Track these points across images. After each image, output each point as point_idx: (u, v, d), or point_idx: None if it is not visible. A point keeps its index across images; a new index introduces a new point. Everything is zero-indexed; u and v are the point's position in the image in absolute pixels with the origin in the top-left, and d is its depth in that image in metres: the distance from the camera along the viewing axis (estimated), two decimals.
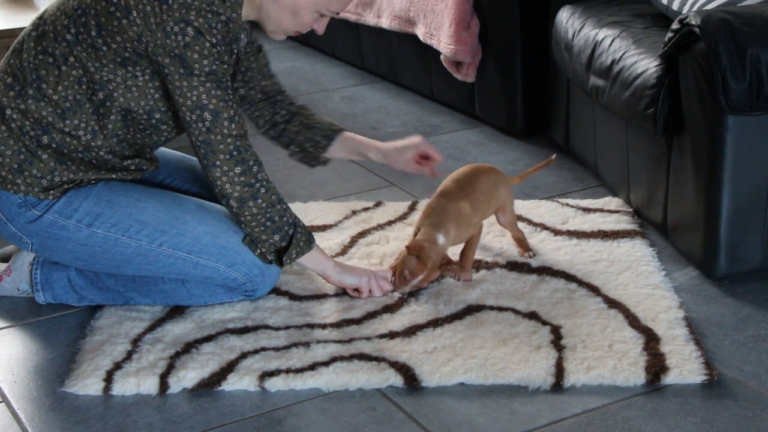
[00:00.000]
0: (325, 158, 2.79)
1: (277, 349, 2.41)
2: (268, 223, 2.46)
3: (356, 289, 2.61)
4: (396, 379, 2.30)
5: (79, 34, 2.37)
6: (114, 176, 2.50)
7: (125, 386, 2.30)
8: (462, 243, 2.68)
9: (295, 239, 2.49)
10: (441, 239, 2.59)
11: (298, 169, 3.49)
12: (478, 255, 2.80)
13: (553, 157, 2.96)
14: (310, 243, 2.52)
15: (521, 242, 2.81)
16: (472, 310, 2.55)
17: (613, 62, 2.91)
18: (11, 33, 3.62)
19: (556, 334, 2.43)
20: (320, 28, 2.51)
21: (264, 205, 2.43)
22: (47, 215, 2.46)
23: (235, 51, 2.44)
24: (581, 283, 2.65)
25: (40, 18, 2.46)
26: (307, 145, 2.75)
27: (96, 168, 2.47)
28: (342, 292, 2.65)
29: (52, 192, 2.45)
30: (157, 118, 2.44)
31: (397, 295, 2.61)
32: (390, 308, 2.57)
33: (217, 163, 2.40)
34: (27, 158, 2.42)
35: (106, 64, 2.37)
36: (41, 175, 2.43)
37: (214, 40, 2.32)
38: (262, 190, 2.43)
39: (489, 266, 2.75)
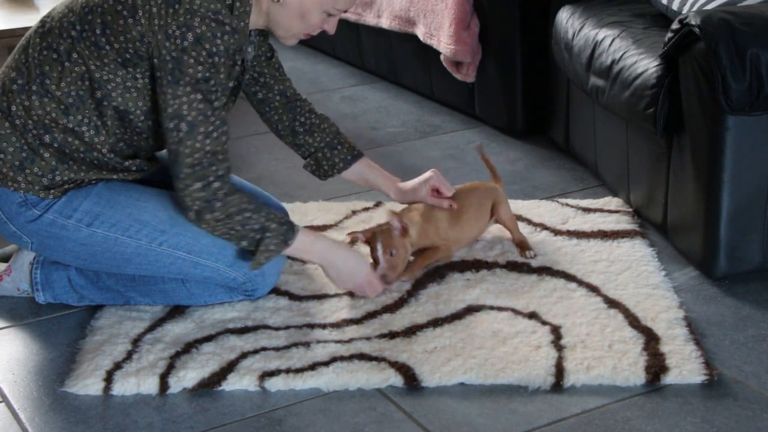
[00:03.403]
0: (337, 175, 2.83)
1: (277, 349, 2.41)
2: (232, 232, 2.45)
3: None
4: (396, 379, 2.30)
5: (84, 31, 2.37)
6: (115, 177, 2.50)
7: (125, 386, 2.30)
8: (420, 246, 2.71)
9: (263, 244, 2.46)
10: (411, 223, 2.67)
11: (298, 169, 3.48)
12: (479, 255, 2.80)
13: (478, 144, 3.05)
14: (282, 244, 2.47)
15: (522, 244, 2.82)
16: (472, 310, 2.55)
17: (613, 62, 2.91)
18: (11, 33, 3.62)
19: (556, 334, 2.43)
20: (330, 28, 2.50)
21: (222, 217, 2.41)
22: (47, 215, 2.46)
23: (239, 63, 2.43)
24: (581, 282, 2.65)
25: (48, 15, 2.47)
26: (324, 163, 2.79)
27: (97, 168, 2.47)
28: (342, 293, 2.64)
29: (52, 191, 2.45)
30: (154, 119, 2.44)
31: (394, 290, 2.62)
32: (390, 308, 2.57)
33: (181, 175, 2.38)
34: (29, 156, 2.43)
35: (107, 64, 2.37)
36: (42, 173, 2.43)
37: (214, 50, 2.31)
38: (218, 204, 2.40)
39: (489, 266, 2.75)
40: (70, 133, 2.42)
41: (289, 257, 2.78)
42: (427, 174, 2.78)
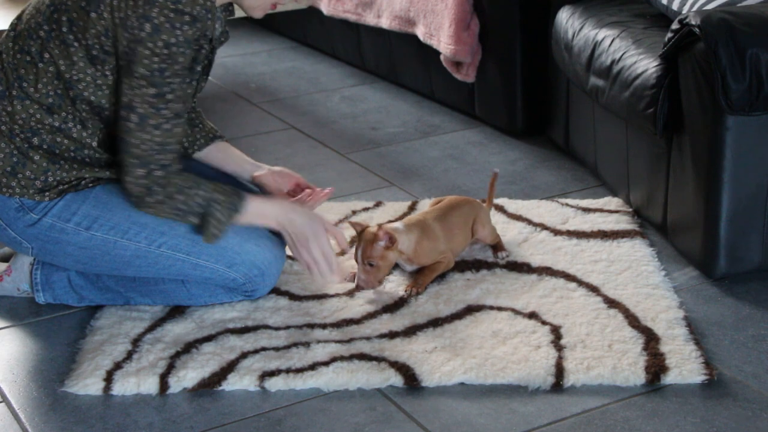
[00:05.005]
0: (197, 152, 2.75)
1: (277, 349, 2.41)
2: (177, 211, 2.42)
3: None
4: (396, 379, 2.30)
5: (52, 30, 2.37)
6: (108, 173, 2.49)
7: (125, 386, 2.30)
8: (423, 264, 2.68)
9: (211, 215, 2.42)
10: (401, 229, 2.62)
11: (299, 169, 3.49)
12: (479, 255, 2.80)
13: (496, 170, 2.99)
14: (233, 212, 2.44)
15: (498, 245, 2.83)
16: (472, 310, 2.55)
17: (613, 62, 2.91)
18: None
19: (556, 333, 2.43)
20: None
21: (163, 198, 2.39)
22: (46, 219, 2.46)
23: (204, 46, 2.40)
24: (581, 282, 2.66)
25: (18, 17, 2.47)
26: (184, 141, 2.70)
27: (89, 165, 2.47)
28: (342, 293, 2.65)
29: (47, 193, 2.44)
30: None
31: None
32: (390, 308, 2.57)
33: (128, 165, 2.37)
34: (20, 160, 2.42)
35: (76, 62, 2.36)
36: (35, 176, 2.43)
37: (172, 40, 2.30)
38: (157, 188, 2.38)
39: (489, 266, 2.75)
40: (58, 133, 2.42)
41: (289, 257, 2.78)
42: (277, 168, 2.72)
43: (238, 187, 2.53)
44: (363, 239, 2.58)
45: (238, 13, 3.02)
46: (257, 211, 2.49)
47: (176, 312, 2.57)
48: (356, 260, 2.60)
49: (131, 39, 2.29)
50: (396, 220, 2.98)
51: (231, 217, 2.45)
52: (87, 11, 2.33)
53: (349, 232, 2.90)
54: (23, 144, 2.42)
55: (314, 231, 2.51)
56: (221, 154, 2.73)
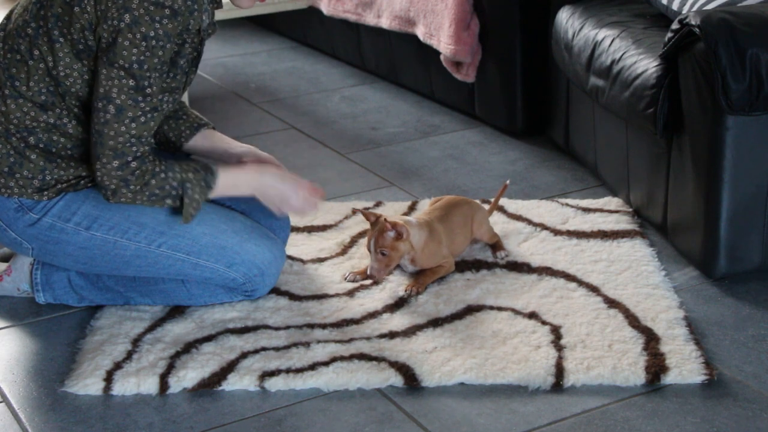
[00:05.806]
0: (185, 152, 2.72)
1: (277, 349, 2.41)
2: (153, 198, 2.41)
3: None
4: (396, 379, 2.30)
5: (39, 27, 2.38)
6: None
7: (125, 386, 2.30)
8: (425, 266, 2.69)
9: (186, 197, 2.42)
10: (414, 223, 2.64)
11: (299, 169, 3.49)
12: (479, 255, 2.80)
13: (507, 182, 3.01)
14: (206, 189, 2.45)
15: (497, 245, 2.83)
16: (472, 310, 2.55)
17: (613, 62, 2.91)
18: None
19: (556, 333, 2.43)
20: None
21: (138, 188, 2.38)
22: (46, 218, 2.46)
23: (188, 40, 2.40)
24: (581, 282, 2.66)
25: (7, 17, 2.47)
26: (170, 135, 2.69)
27: (87, 163, 2.46)
28: (342, 293, 2.65)
29: (46, 192, 2.44)
30: None
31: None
32: (390, 308, 2.57)
33: (101, 156, 2.35)
34: (17, 160, 2.42)
35: (62, 58, 2.36)
36: (32, 175, 2.43)
37: (151, 33, 2.30)
38: (132, 178, 2.37)
39: (489, 266, 2.75)
40: (54, 130, 2.42)
41: (289, 257, 2.78)
42: (265, 155, 2.68)
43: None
44: (376, 229, 2.59)
45: (227, 6, 3.02)
46: (230, 183, 2.50)
47: (176, 312, 2.57)
48: (368, 249, 2.61)
49: (111, 29, 2.29)
50: None
51: (205, 194, 2.45)
52: (71, 6, 2.34)
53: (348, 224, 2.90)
54: (20, 143, 2.42)
55: (289, 190, 2.54)
56: (208, 142, 2.70)
